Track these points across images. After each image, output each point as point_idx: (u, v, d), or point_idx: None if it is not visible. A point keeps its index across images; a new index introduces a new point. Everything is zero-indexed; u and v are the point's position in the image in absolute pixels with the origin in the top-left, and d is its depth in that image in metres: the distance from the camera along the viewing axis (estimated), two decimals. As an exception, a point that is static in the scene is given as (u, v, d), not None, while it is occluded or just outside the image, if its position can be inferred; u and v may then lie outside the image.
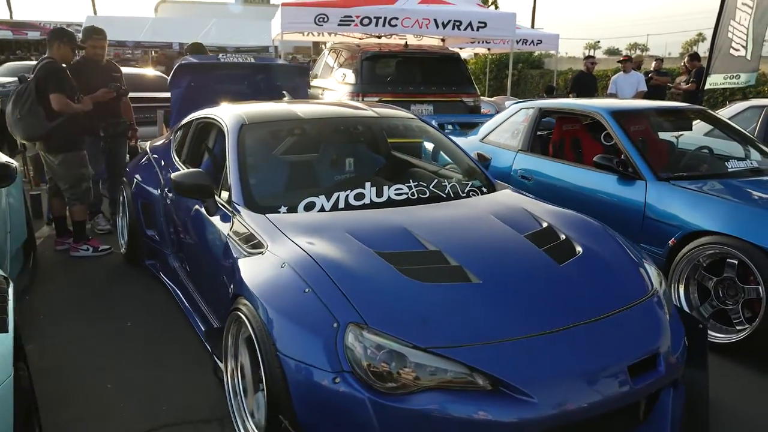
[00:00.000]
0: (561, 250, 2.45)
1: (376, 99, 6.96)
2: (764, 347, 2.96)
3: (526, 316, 2.04)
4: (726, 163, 3.93)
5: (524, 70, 21.27)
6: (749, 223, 3.07)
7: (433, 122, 5.75)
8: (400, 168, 3.64)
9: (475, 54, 20.75)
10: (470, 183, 3.19)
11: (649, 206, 3.56)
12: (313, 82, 8.78)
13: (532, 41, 12.43)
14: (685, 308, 3.31)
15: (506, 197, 3.12)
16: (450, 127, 6.01)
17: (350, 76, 7.39)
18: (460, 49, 15.83)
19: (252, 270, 2.28)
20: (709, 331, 3.19)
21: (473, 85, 7.78)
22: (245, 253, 2.41)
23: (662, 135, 4.80)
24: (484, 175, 3.39)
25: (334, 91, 7.68)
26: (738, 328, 3.09)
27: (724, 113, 5.93)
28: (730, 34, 8.31)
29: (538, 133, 4.79)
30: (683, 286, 3.33)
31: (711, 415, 2.53)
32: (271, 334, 1.98)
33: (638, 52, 36.53)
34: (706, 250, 3.19)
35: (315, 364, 1.87)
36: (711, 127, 4.91)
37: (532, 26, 26.72)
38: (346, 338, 1.87)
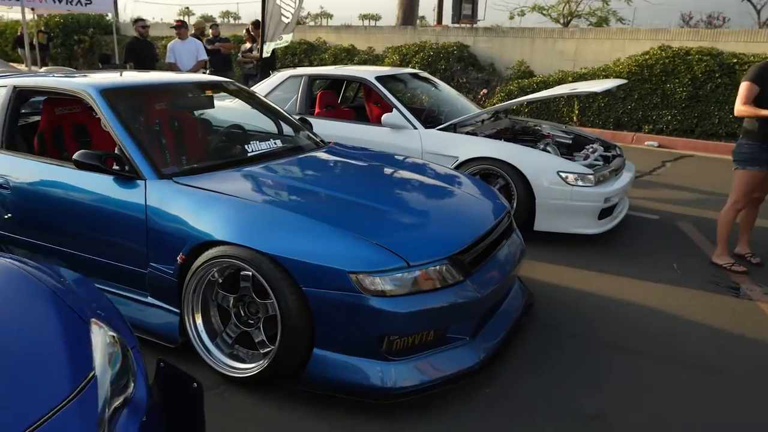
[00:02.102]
0: None
1: None
2: (289, 374, 2.50)
3: None
4: (247, 146, 3.41)
5: (96, 36, 18.73)
6: (252, 226, 2.51)
7: None
8: None
9: (39, 16, 17.31)
10: None
11: (152, 214, 2.74)
12: None
13: (80, 1, 10.51)
14: (206, 337, 2.65)
15: None
16: None
17: None
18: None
19: None
20: (233, 364, 2.61)
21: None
22: None
23: (193, 116, 4.11)
24: None
25: None
26: (262, 351, 2.57)
27: (267, 84, 5.63)
28: (279, 1, 8.39)
29: (21, 122, 3.53)
30: (200, 312, 2.66)
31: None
32: None
33: (231, 20, 36.62)
34: (215, 265, 2.56)
35: None
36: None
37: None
38: None
